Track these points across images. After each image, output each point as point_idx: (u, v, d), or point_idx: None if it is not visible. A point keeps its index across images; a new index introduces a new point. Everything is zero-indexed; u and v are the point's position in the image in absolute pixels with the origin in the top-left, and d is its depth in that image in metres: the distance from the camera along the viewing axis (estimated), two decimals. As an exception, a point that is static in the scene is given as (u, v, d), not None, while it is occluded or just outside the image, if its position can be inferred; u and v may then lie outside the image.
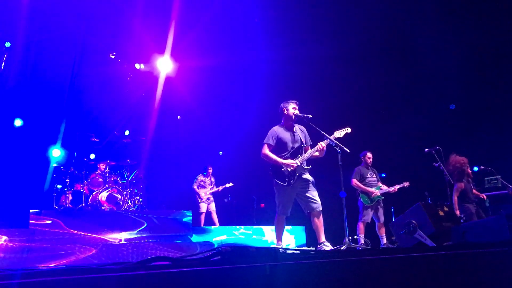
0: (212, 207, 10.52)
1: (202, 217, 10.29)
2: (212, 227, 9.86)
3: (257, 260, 2.58)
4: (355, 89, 10.94)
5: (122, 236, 7.22)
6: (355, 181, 8.19)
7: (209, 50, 10.31)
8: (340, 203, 5.33)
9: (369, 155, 8.42)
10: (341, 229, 5.47)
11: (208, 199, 10.48)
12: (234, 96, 11.43)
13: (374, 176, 8.35)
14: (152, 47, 10.32)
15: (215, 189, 10.61)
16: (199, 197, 10.37)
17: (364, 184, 8.16)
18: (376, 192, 8.07)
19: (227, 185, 10.71)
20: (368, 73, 10.77)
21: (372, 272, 2.70)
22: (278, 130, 5.75)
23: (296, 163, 5.51)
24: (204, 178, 10.59)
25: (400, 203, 8.45)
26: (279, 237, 5.67)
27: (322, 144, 5.51)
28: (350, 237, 5.21)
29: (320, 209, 5.48)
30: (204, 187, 10.54)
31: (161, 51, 10.34)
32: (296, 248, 8.02)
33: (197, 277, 2.25)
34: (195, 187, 10.48)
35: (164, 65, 10.58)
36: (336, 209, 6.03)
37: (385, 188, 8.17)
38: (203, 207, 10.38)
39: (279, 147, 5.67)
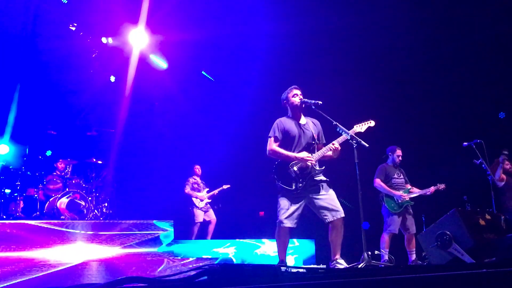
0: (211, 215, 10.57)
1: (196, 228, 10.32)
2: (208, 239, 9.95)
3: (254, 280, 2.59)
4: (377, 69, 10.93)
5: (83, 254, 7.22)
6: (378, 181, 8.18)
7: (194, 19, 10.27)
8: (357, 210, 5.35)
9: (399, 152, 8.41)
10: (358, 242, 5.49)
11: (206, 204, 10.54)
12: (225, 77, 11.42)
13: (402, 176, 8.33)
14: (122, 16, 10.28)
15: (211, 192, 10.67)
16: (198, 201, 10.36)
17: (389, 186, 8.14)
18: (405, 196, 8.04)
19: (224, 186, 10.79)
20: (393, 49, 10.75)
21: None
22: (284, 121, 5.78)
23: (312, 158, 5.50)
24: (195, 180, 10.59)
25: (432, 210, 8.47)
26: (282, 253, 5.69)
27: (336, 144, 5.52)
28: (369, 252, 5.23)
29: (342, 216, 5.46)
30: (199, 190, 10.57)
31: (134, 21, 10.31)
32: (302, 266, 8.04)
33: (179, 302, 2.27)
34: (189, 190, 10.46)
35: (138, 39, 10.55)
36: (352, 217, 6.05)
37: (416, 191, 8.15)
38: (200, 216, 10.39)
39: (286, 142, 5.70)
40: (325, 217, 5.47)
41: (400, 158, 8.38)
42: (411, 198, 8.08)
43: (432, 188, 8.09)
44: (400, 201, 8.01)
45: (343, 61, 10.81)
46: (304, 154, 5.54)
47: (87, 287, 2.45)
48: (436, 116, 10.86)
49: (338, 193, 5.65)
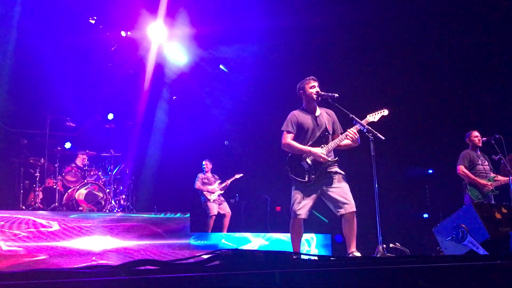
0: (226, 208, 10.65)
1: (212, 221, 10.39)
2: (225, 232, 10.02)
3: (265, 266, 2.60)
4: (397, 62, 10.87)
5: (100, 245, 7.32)
6: (462, 168, 7.79)
7: (214, 12, 10.27)
8: (373, 203, 5.35)
9: (475, 133, 7.99)
10: (373, 236, 5.49)
11: (219, 197, 10.61)
12: (243, 71, 11.41)
13: (486, 163, 7.92)
14: (142, 9, 10.33)
15: (222, 184, 10.76)
16: (209, 194, 10.45)
17: (473, 174, 7.77)
18: (489, 184, 7.65)
19: (236, 176, 10.91)
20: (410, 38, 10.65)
21: (405, 284, 2.71)
22: (298, 114, 5.77)
23: (326, 157, 5.49)
24: (205, 176, 10.69)
25: (448, 203, 8.41)
26: (296, 245, 5.71)
27: (353, 130, 5.51)
28: (384, 245, 5.23)
29: (354, 210, 5.44)
30: (210, 184, 10.65)
31: (153, 15, 10.35)
32: (313, 254, 8.03)
33: (190, 284, 2.29)
34: (199, 185, 10.57)
35: (157, 33, 10.60)
36: (368, 210, 6.04)
37: (501, 179, 7.74)
38: (214, 208, 10.46)
39: (299, 134, 5.69)
40: (338, 210, 5.47)
41: (479, 138, 7.93)
42: (496, 187, 7.70)
43: None
44: (485, 190, 7.64)
45: (361, 53, 10.78)
46: (318, 151, 5.51)
47: (101, 267, 2.49)
48: (455, 111, 10.78)
49: (353, 187, 5.65)
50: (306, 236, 9.39)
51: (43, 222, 7.15)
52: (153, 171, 11.30)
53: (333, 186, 5.52)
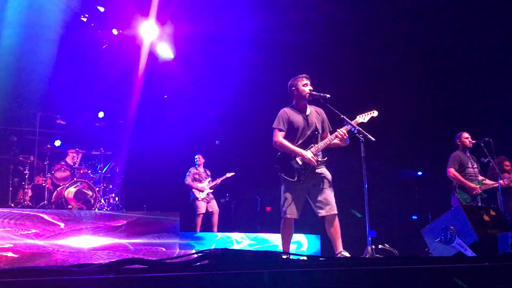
0: (214, 206, 10.58)
1: (199, 220, 10.33)
2: (216, 232, 9.97)
3: (254, 266, 2.60)
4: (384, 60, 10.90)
5: (89, 243, 7.28)
6: (453, 171, 7.74)
7: (206, 11, 10.27)
8: (362, 204, 5.35)
9: (466, 135, 7.93)
10: (362, 237, 5.50)
11: (208, 195, 10.53)
12: (236, 70, 11.41)
13: (476, 166, 7.91)
14: (134, 8, 10.31)
15: (213, 182, 10.68)
16: (198, 192, 10.38)
17: (463, 176, 7.73)
18: (478, 188, 7.63)
19: (228, 174, 10.80)
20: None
21: (393, 284, 2.72)
22: (289, 112, 5.74)
23: (315, 160, 5.49)
24: (197, 171, 10.62)
25: (437, 205, 8.44)
26: (285, 245, 5.70)
27: (343, 130, 5.51)
28: (373, 246, 5.24)
29: (334, 212, 5.48)
30: (200, 181, 10.58)
31: (145, 14, 10.33)
32: (302, 254, 8.04)
33: (179, 284, 2.28)
34: (189, 181, 10.49)
35: (149, 31, 10.58)
36: (357, 211, 6.06)
37: (489, 182, 7.76)
38: (202, 207, 10.40)
39: (289, 133, 5.67)
40: (319, 211, 5.51)
41: (470, 140, 7.88)
42: (484, 191, 7.68)
43: (503, 181, 7.68)
44: (473, 193, 7.62)
45: (351, 53, 10.81)
46: (309, 155, 5.48)
47: (89, 266, 2.47)
48: (445, 113, 10.83)
49: (344, 188, 5.65)
50: (296, 237, 9.41)
51: (33, 220, 7.09)
52: (143, 170, 11.26)
53: (319, 187, 5.54)
